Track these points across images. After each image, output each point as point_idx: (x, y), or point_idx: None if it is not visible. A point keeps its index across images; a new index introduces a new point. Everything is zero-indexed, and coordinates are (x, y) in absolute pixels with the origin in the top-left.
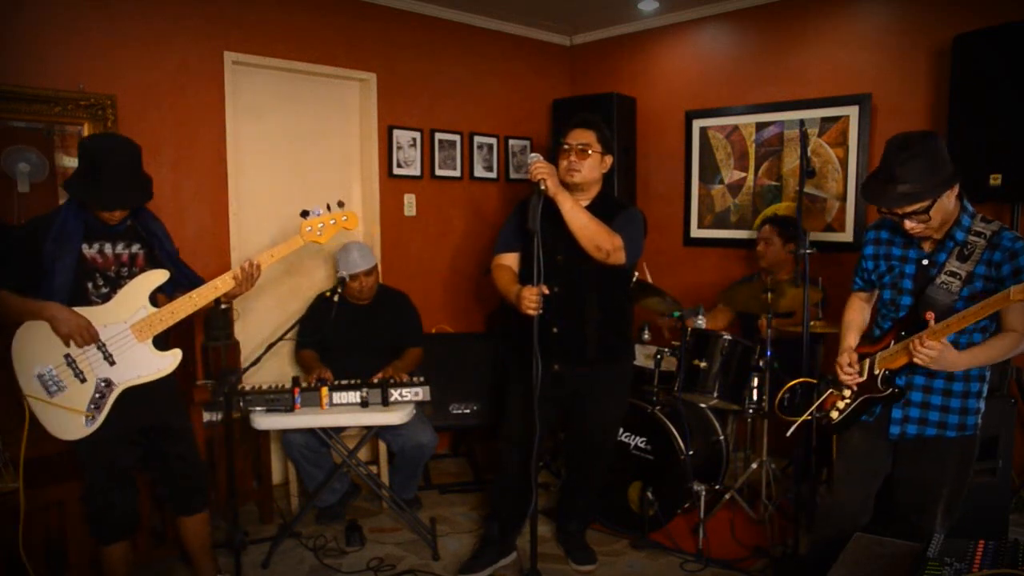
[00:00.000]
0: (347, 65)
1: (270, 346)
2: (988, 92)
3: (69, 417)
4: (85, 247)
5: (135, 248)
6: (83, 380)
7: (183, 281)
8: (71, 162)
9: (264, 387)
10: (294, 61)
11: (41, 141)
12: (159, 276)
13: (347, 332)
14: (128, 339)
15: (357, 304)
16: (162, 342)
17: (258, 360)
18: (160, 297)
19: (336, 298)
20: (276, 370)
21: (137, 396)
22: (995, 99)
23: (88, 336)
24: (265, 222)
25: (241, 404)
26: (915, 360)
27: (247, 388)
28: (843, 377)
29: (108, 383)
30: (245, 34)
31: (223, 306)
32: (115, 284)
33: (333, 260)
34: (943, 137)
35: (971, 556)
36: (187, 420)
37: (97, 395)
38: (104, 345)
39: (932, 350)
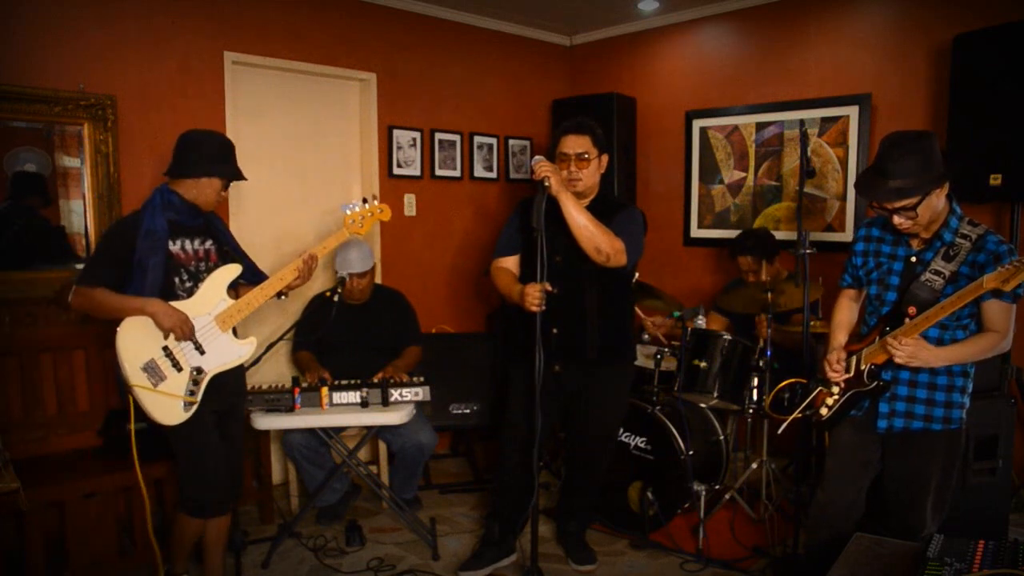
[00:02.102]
0: (347, 65)
1: (270, 346)
2: (988, 92)
3: (172, 403)
4: (170, 244)
5: (208, 244)
6: (179, 369)
7: (248, 275)
8: (71, 162)
9: (264, 387)
10: (294, 61)
11: (41, 141)
12: (234, 270)
13: (344, 332)
14: (214, 330)
15: (353, 304)
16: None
17: (258, 360)
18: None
19: (336, 298)
20: (276, 370)
21: (217, 383)
22: (995, 99)
23: (187, 329)
24: (265, 222)
25: None
26: (894, 359)
27: (247, 388)
28: (829, 374)
29: (200, 371)
30: (245, 34)
31: (283, 298)
32: (196, 279)
33: (332, 257)
34: (943, 137)
35: (971, 556)
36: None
37: (192, 383)
38: (194, 336)
39: (908, 347)
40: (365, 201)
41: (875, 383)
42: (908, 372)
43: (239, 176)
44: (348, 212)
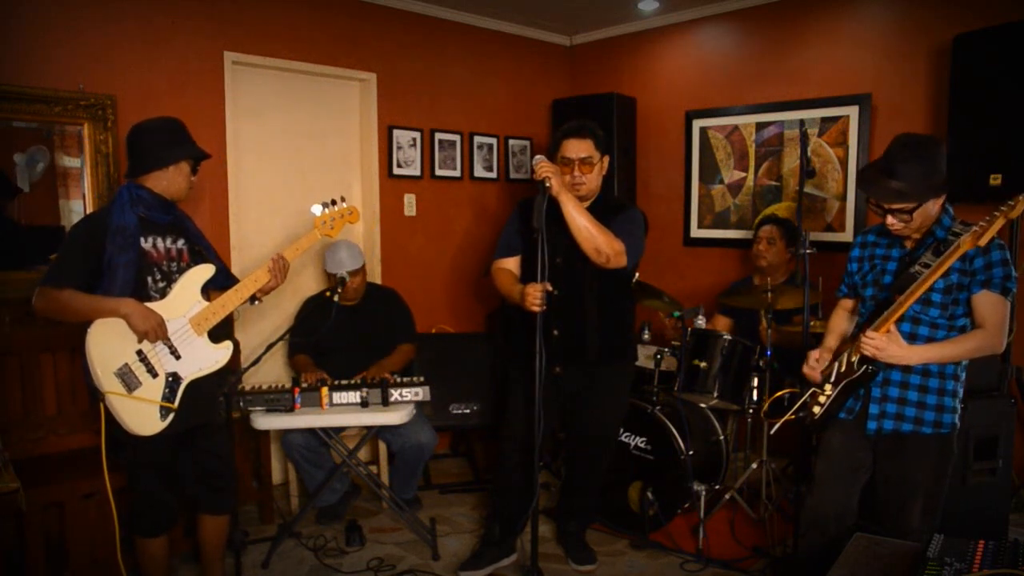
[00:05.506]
0: (347, 65)
1: (270, 346)
2: (988, 92)
3: (148, 411)
4: (142, 241)
5: (180, 243)
6: (154, 375)
7: (219, 279)
8: (71, 162)
9: (264, 387)
10: (294, 61)
11: (41, 141)
12: (208, 270)
13: (340, 334)
14: (189, 333)
15: (347, 304)
16: None
17: (258, 360)
18: None
19: (336, 298)
20: (275, 371)
21: (187, 395)
22: (995, 99)
23: (162, 332)
24: (265, 222)
25: (241, 404)
26: (863, 352)
27: (247, 388)
28: (805, 369)
29: (175, 377)
30: (245, 34)
31: (257, 302)
32: (168, 279)
33: (322, 259)
34: (943, 137)
35: (971, 556)
36: (224, 417)
37: (167, 390)
38: (169, 339)
39: (875, 339)
40: (334, 202)
41: (864, 368)
42: (899, 373)
43: (204, 153)
44: (319, 214)
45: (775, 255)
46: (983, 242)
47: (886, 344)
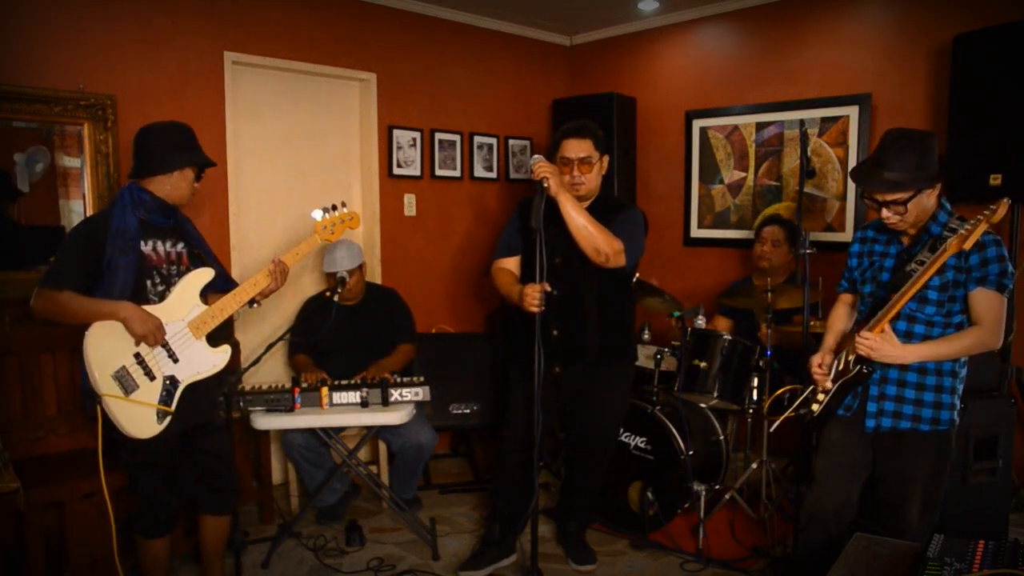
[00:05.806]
0: (347, 65)
1: (270, 346)
2: (988, 92)
3: (145, 414)
4: (142, 244)
5: (180, 246)
6: (152, 378)
7: (219, 282)
8: (71, 162)
9: (264, 387)
10: (294, 61)
11: (41, 141)
12: (207, 274)
13: (340, 334)
14: (187, 337)
15: (346, 304)
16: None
17: (258, 360)
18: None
19: (336, 298)
20: (275, 371)
21: (187, 396)
22: (995, 99)
23: (160, 335)
24: (265, 222)
25: (241, 404)
26: (858, 352)
27: (247, 388)
28: (813, 373)
29: (173, 380)
30: (245, 34)
31: (255, 305)
32: (168, 282)
33: (320, 258)
34: (943, 137)
35: (971, 556)
36: (224, 417)
37: (164, 393)
38: (167, 343)
39: (868, 340)
40: (335, 207)
41: (859, 368)
42: (896, 371)
43: (210, 161)
44: (319, 219)
45: (779, 256)
46: (967, 246)
47: (880, 344)
